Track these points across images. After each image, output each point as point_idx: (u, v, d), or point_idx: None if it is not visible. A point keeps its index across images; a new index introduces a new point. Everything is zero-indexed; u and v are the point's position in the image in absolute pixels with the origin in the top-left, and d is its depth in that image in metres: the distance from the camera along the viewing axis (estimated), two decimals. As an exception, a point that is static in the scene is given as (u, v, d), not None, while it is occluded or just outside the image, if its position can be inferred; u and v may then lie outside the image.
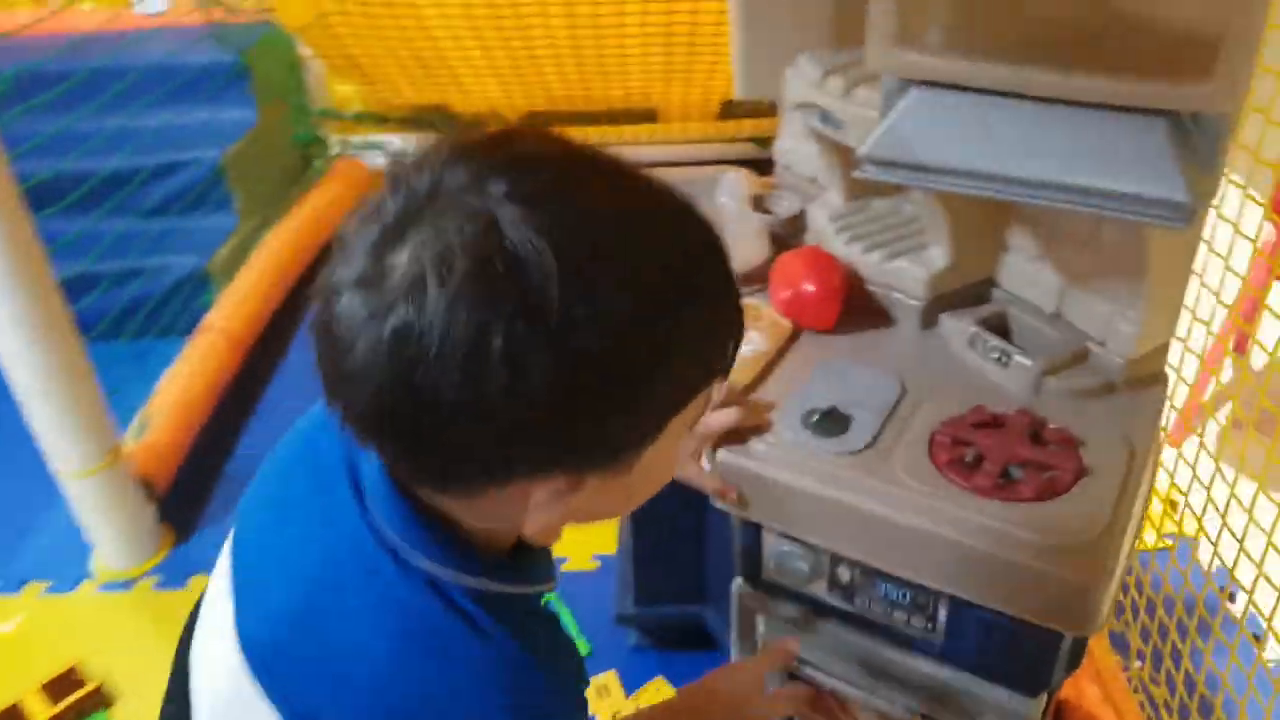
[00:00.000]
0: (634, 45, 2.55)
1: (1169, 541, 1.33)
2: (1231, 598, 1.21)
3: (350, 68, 2.69)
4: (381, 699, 0.49)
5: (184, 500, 1.79)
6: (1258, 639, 1.15)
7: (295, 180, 2.68)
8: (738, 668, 0.88)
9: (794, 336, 1.00)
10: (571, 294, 0.42)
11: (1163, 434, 0.92)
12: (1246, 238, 1.07)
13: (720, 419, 0.86)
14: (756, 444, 0.87)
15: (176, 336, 2.10)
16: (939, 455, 0.83)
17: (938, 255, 0.98)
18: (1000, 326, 0.97)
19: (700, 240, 0.49)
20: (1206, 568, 1.18)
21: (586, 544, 1.63)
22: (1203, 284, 1.04)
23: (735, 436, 0.87)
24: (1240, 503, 1.02)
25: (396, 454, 0.48)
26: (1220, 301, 1.10)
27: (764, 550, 0.92)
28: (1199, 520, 1.11)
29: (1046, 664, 0.84)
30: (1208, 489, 1.09)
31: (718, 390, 0.84)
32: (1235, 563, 1.02)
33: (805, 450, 0.85)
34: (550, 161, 0.46)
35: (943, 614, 0.85)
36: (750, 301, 1.05)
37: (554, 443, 0.46)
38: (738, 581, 0.98)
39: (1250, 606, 1.01)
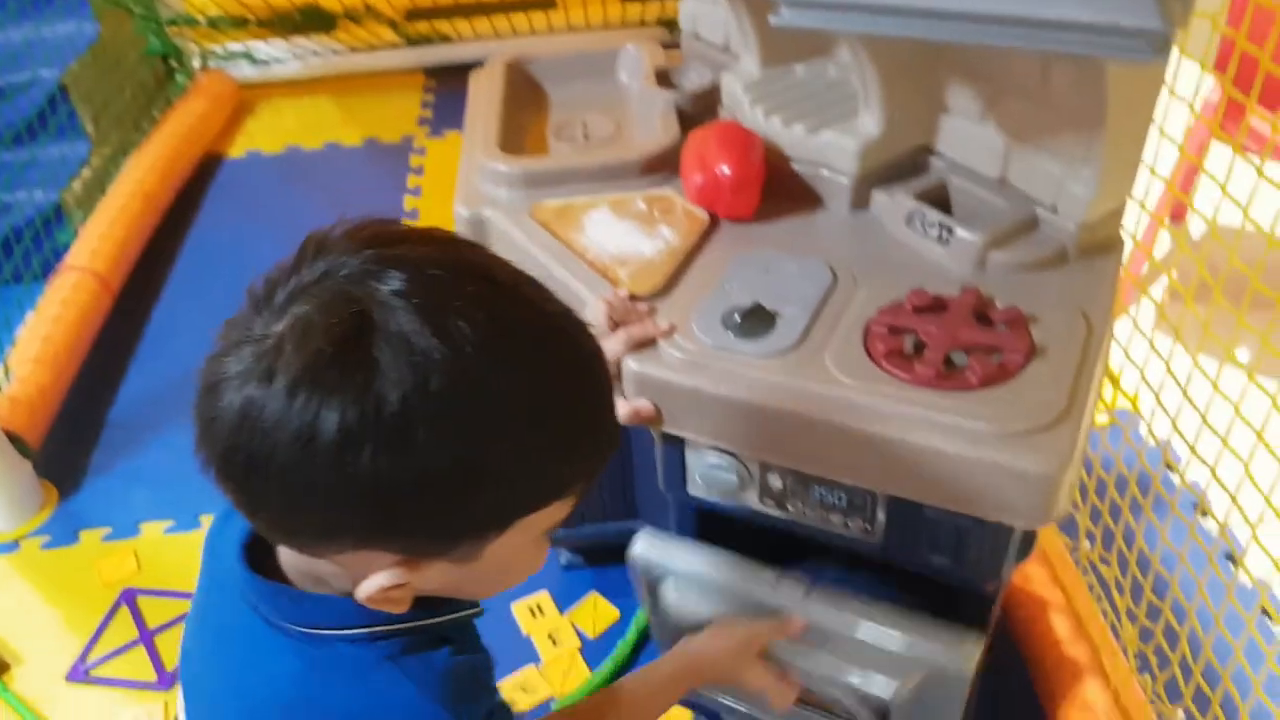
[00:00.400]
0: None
1: (1117, 419, 1.29)
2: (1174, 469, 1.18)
3: (197, -35, 2.40)
4: None
5: (63, 454, 1.65)
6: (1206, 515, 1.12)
7: (153, 98, 2.43)
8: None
9: (710, 228, 0.91)
10: (416, 399, 0.44)
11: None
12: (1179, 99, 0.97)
13: (609, 348, 0.78)
14: (672, 351, 0.78)
15: (32, 281, 1.89)
16: (875, 347, 0.76)
17: (869, 122, 0.88)
18: (941, 199, 0.88)
19: (570, 365, 0.51)
20: (1161, 443, 1.14)
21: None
22: (1163, 133, 0.94)
23: (645, 346, 0.79)
24: (1205, 374, 0.96)
25: (244, 507, 0.51)
26: (1155, 174, 1.02)
27: (689, 463, 0.85)
28: (1157, 396, 1.06)
29: (996, 557, 0.79)
30: (1167, 362, 1.03)
31: (610, 310, 0.80)
32: (1198, 437, 0.96)
33: (727, 354, 0.77)
34: (441, 266, 0.48)
35: (881, 514, 0.79)
36: (659, 192, 0.95)
37: (379, 524, 0.48)
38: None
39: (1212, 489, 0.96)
